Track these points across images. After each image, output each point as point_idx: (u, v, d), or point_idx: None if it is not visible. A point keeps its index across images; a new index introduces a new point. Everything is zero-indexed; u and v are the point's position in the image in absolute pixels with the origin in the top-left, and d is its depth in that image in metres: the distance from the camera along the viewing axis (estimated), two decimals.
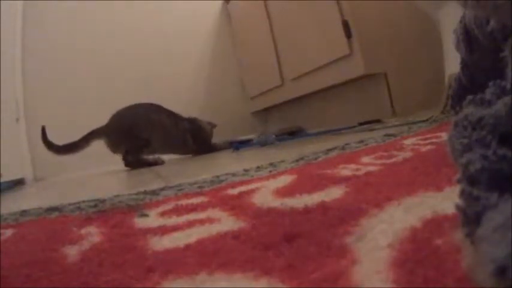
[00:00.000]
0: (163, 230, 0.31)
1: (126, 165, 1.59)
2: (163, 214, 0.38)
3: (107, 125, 1.64)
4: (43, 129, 1.59)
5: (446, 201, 0.24)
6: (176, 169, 1.18)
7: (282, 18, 1.96)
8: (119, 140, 1.62)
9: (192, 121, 1.86)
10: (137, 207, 0.43)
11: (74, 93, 2.13)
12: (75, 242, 0.31)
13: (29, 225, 0.45)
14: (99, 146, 1.62)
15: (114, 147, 1.62)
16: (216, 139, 2.25)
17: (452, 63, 0.97)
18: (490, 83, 0.24)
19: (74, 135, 1.61)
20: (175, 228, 0.31)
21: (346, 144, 0.73)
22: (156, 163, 1.59)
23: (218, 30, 2.59)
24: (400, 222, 0.22)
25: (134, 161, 1.58)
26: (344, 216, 0.25)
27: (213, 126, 1.96)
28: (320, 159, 0.61)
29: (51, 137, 1.59)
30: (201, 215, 0.34)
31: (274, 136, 1.49)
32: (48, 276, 0.24)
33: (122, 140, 1.62)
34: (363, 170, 0.42)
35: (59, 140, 1.81)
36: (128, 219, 0.38)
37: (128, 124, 1.63)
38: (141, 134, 1.63)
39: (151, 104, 1.73)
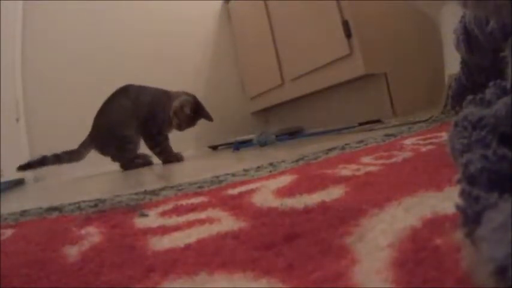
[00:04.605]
0: (163, 230, 0.31)
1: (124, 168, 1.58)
2: (163, 214, 0.38)
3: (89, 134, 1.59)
4: (23, 167, 1.48)
5: (446, 201, 0.24)
6: (176, 169, 1.18)
7: (282, 18, 1.96)
8: (103, 146, 1.58)
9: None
10: (137, 207, 0.43)
11: (74, 94, 2.13)
12: (75, 242, 0.31)
13: (29, 225, 0.45)
14: None
15: (102, 153, 1.60)
16: (217, 139, 2.25)
17: (452, 63, 0.97)
18: (490, 83, 0.24)
19: (74, 135, 1.61)
20: (175, 228, 0.31)
21: (346, 144, 0.72)
22: (148, 163, 1.57)
23: (218, 30, 2.59)
24: (400, 222, 0.22)
25: (126, 164, 1.55)
26: (344, 216, 0.25)
27: (184, 103, 1.58)
28: (320, 159, 0.61)
29: (51, 138, 1.58)
30: (201, 215, 0.34)
31: (274, 136, 1.50)
32: (48, 276, 0.24)
33: (105, 147, 1.57)
34: (363, 170, 0.42)
35: (59, 141, 1.80)
36: (128, 219, 0.38)
37: (105, 128, 1.55)
38: (119, 132, 1.55)
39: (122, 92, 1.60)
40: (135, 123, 1.58)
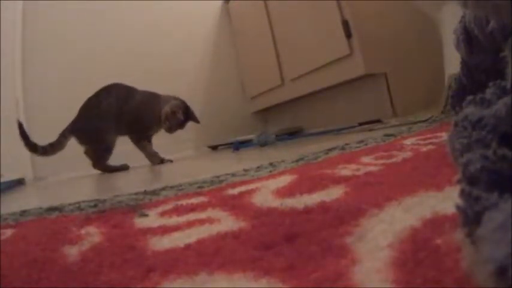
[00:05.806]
0: (163, 230, 0.31)
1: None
2: (163, 214, 0.38)
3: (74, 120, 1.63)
4: (20, 127, 1.54)
5: (446, 201, 0.24)
6: (176, 169, 1.18)
7: (282, 18, 1.96)
8: (83, 140, 1.62)
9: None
10: (137, 207, 0.43)
11: (73, 93, 2.13)
12: (75, 242, 0.31)
13: (29, 225, 0.45)
14: None
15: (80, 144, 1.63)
16: (217, 139, 2.25)
17: (452, 63, 0.97)
18: (490, 83, 0.24)
19: None
20: (175, 228, 0.31)
21: (346, 144, 0.73)
22: (122, 168, 1.61)
23: (218, 30, 2.59)
24: (400, 222, 0.22)
25: (98, 164, 1.60)
26: (344, 216, 0.25)
27: (173, 109, 1.62)
28: (320, 159, 0.61)
29: (51, 138, 1.59)
30: (201, 215, 0.34)
31: (274, 136, 1.50)
32: (48, 276, 0.24)
33: (85, 142, 1.62)
34: (363, 170, 0.42)
35: None
36: (128, 219, 0.38)
37: (89, 127, 1.60)
38: (102, 137, 1.60)
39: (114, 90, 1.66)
40: (115, 125, 1.63)
